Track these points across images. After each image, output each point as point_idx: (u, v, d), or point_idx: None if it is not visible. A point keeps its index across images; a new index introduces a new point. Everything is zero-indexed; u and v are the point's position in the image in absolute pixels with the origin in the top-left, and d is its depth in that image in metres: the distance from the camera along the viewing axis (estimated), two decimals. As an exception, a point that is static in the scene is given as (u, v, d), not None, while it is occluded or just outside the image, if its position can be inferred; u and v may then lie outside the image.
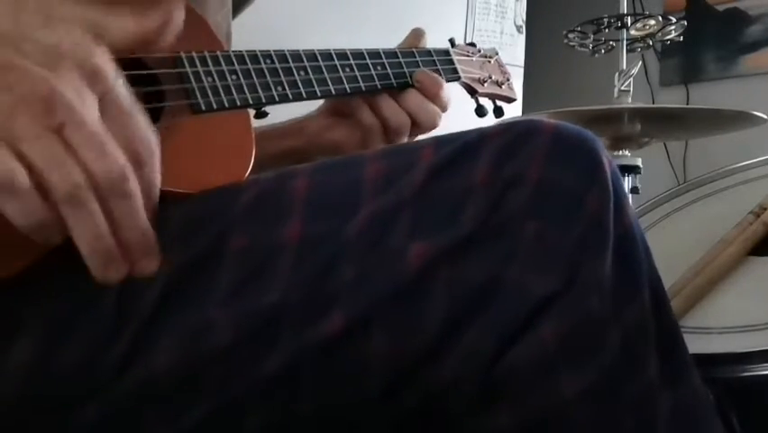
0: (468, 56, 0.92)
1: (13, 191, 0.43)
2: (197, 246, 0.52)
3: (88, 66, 0.46)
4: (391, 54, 0.81)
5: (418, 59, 0.84)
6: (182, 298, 0.51)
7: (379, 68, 0.79)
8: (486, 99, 0.93)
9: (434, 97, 0.82)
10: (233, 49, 0.81)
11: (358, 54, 0.78)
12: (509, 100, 0.96)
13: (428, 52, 0.86)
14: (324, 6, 1.74)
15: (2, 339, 0.51)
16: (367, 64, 0.78)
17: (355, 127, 0.83)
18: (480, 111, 0.91)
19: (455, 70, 0.88)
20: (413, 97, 0.81)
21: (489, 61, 0.96)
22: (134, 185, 0.46)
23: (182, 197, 0.57)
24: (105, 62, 0.47)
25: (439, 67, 0.86)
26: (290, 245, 0.51)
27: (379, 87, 0.79)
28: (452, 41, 0.91)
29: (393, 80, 0.80)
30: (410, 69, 0.82)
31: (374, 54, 0.79)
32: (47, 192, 0.44)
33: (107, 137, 0.45)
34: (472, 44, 0.97)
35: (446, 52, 0.89)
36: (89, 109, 0.45)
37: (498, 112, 0.94)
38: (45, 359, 0.50)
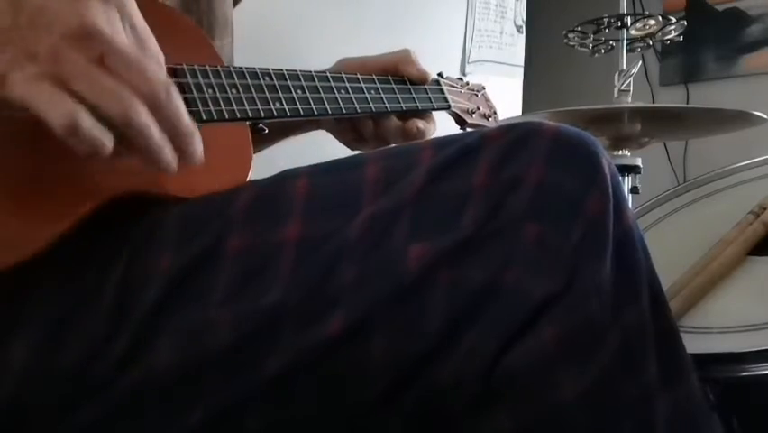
0: (456, 88, 0.94)
1: (79, 131, 0.46)
2: (197, 247, 0.52)
3: None
4: (384, 81, 0.83)
5: (410, 86, 0.86)
6: (182, 298, 0.51)
7: (372, 92, 0.80)
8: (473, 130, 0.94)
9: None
10: (235, 44, 0.82)
11: (352, 78, 0.79)
12: None
13: None
14: (325, 5, 1.74)
15: (0, 338, 0.51)
16: (361, 87, 0.80)
17: (354, 131, 0.87)
18: None
19: (445, 99, 0.90)
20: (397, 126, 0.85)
21: (477, 95, 0.98)
22: (177, 95, 0.51)
23: (181, 201, 0.57)
24: None
25: (430, 95, 0.88)
26: (290, 246, 0.51)
27: (373, 109, 0.80)
28: (440, 74, 0.93)
29: (386, 104, 0.82)
30: (402, 96, 0.84)
31: (368, 79, 0.81)
32: (105, 120, 0.48)
33: (143, 57, 0.50)
34: (460, 78, 0.99)
35: (436, 82, 0.91)
36: (121, 35, 0.49)
37: None
38: (44, 358, 0.51)
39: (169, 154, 0.51)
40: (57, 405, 0.51)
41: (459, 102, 0.93)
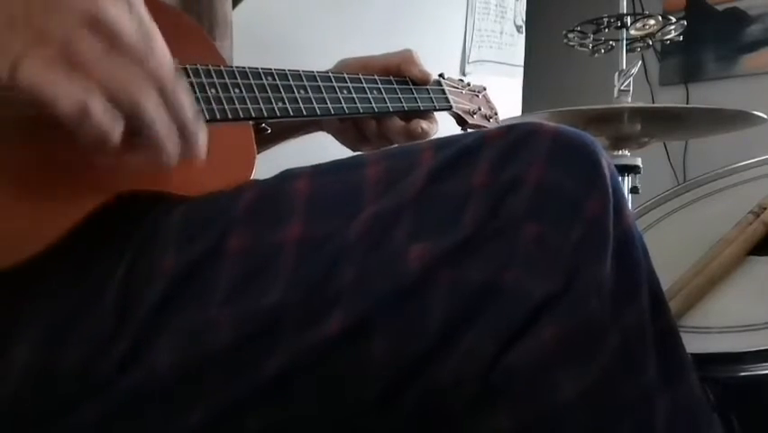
0: (458, 89, 0.95)
1: (90, 117, 0.47)
2: (198, 246, 0.52)
3: None
4: (386, 81, 0.84)
5: (412, 86, 0.86)
6: (183, 297, 0.51)
7: (375, 92, 0.81)
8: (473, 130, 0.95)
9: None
10: (236, 44, 0.83)
11: (354, 79, 0.80)
12: None
13: None
14: (326, 5, 1.74)
15: (2, 339, 0.51)
16: (363, 87, 0.80)
17: (357, 131, 0.87)
18: None
19: (447, 100, 0.90)
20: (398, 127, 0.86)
21: (478, 96, 0.98)
22: (182, 81, 0.52)
23: (184, 200, 0.57)
24: None
25: (432, 95, 0.88)
26: (291, 246, 0.51)
27: (375, 109, 0.80)
28: (441, 75, 0.93)
29: (388, 104, 0.82)
30: (404, 96, 0.84)
31: (370, 80, 0.82)
32: (117, 106, 0.48)
33: (151, 48, 0.50)
34: (461, 79, 0.99)
35: (438, 83, 0.91)
36: (130, 27, 0.50)
37: None
38: (45, 359, 0.51)
39: (173, 146, 0.52)
40: (58, 404, 0.51)
41: (460, 103, 0.93)
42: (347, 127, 0.88)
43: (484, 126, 0.96)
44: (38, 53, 0.47)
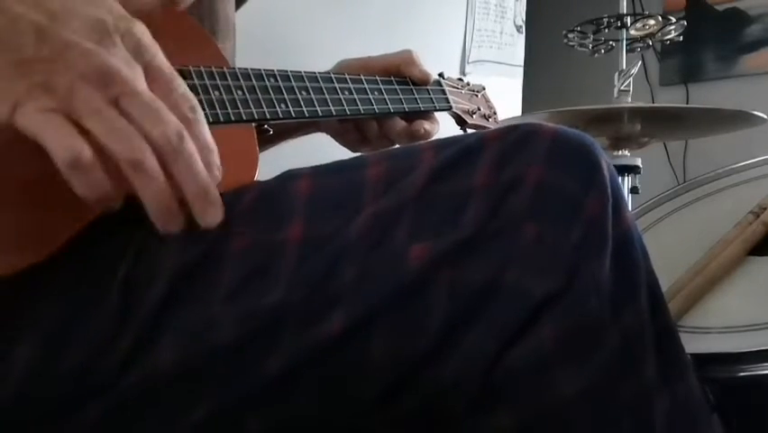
0: (457, 88, 0.95)
1: (80, 167, 0.46)
2: (200, 245, 0.53)
3: (133, 38, 0.50)
4: (387, 81, 0.84)
5: (412, 86, 0.87)
6: (185, 296, 0.51)
7: (376, 93, 0.81)
8: (473, 131, 0.95)
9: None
10: (236, 48, 0.83)
11: (356, 79, 0.80)
12: None
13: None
14: (326, 6, 1.74)
15: (5, 339, 0.51)
16: (365, 88, 0.80)
17: (358, 132, 0.87)
18: None
19: (447, 100, 0.91)
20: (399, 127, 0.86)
21: (477, 95, 0.99)
22: (190, 144, 0.49)
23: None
24: (145, 33, 0.51)
25: (432, 96, 0.88)
26: (292, 246, 0.52)
27: (376, 110, 0.81)
28: (441, 74, 0.93)
29: (389, 105, 0.82)
30: (405, 96, 0.85)
31: (371, 80, 0.82)
32: (110, 161, 0.47)
33: (159, 103, 0.49)
34: (461, 79, 0.99)
35: (438, 83, 0.91)
36: (139, 79, 0.49)
37: None
38: (48, 359, 0.51)
39: (173, 208, 0.50)
40: (60, 404, 0.51)
41: (460, 103, 0.93)
42: (348, 129, 0.88)
43: (483, 126, 0.96)
44: (39, 99, 0.46)
